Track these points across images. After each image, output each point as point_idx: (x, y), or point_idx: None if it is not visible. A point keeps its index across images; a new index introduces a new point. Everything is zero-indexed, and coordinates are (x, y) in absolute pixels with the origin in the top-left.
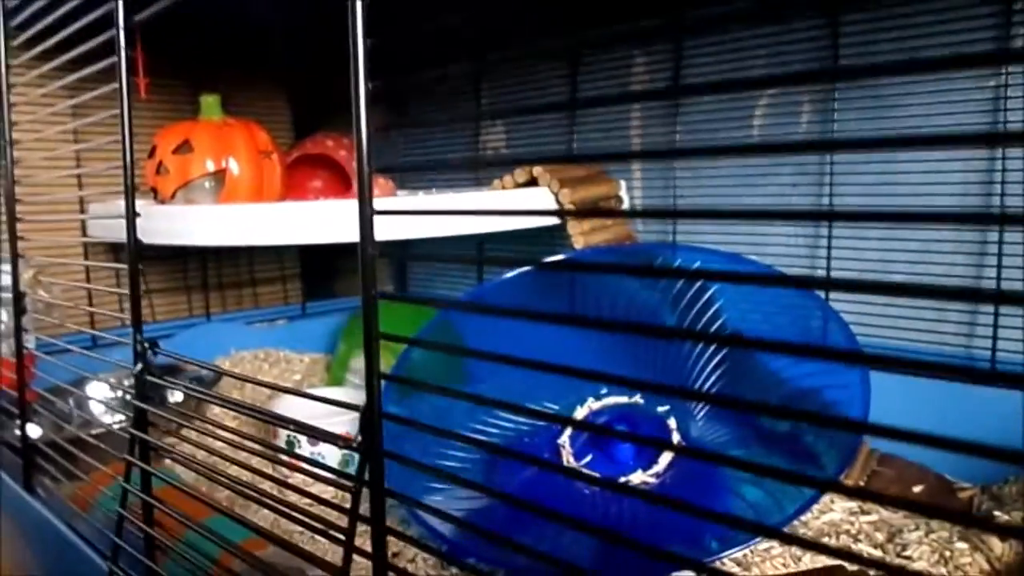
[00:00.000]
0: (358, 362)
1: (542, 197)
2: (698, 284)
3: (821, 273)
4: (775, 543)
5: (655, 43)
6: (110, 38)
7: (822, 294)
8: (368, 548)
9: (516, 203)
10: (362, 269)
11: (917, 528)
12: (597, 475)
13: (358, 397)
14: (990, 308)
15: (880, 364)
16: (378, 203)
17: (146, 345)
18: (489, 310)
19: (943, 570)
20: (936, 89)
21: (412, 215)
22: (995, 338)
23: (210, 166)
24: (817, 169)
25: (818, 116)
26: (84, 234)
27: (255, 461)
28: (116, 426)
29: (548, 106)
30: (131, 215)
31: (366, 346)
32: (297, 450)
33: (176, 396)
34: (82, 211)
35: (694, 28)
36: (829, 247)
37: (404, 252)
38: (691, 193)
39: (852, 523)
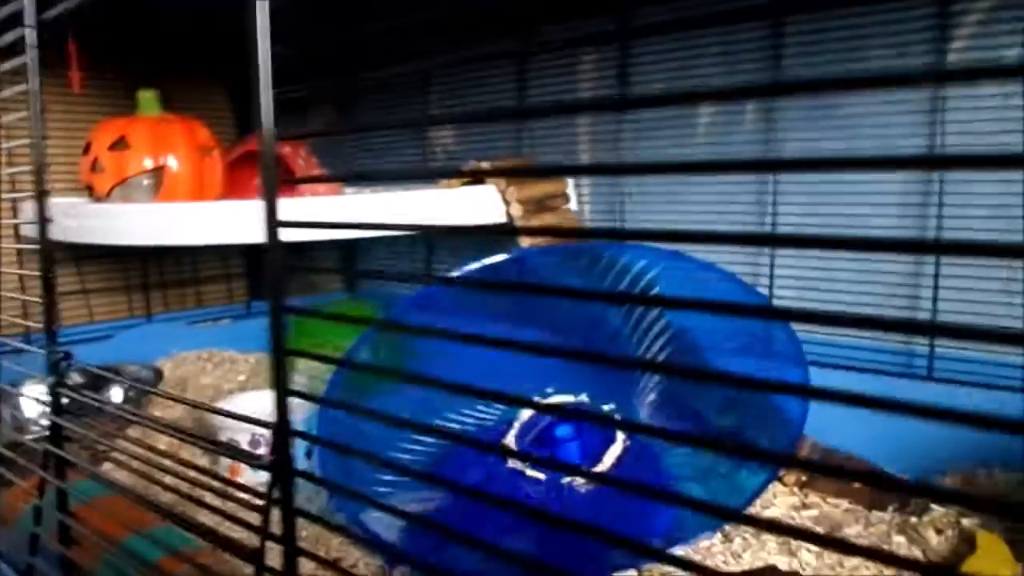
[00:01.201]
0: (304, 362)
1: (489, 195)
2: (643, 283)
3: (765, 269)
4: (716, 541)
5: (604, 41)
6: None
7: (765, 291)
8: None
9: (462, 201)
10: (269, 283)
11: (857, 522)
12: (543, 460)
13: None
14: (929, 296)
15: (820, 397)
16: (293, 208)
17: (60, 356)
18: (408, 329)
19: (880, 564)
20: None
21: (326, 228)
22: (935, 310)
23: (148, 163)
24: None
25: (762, 115)
26: (18, 239)
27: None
28: (29, 439)
29: (492, 114)
30: (43, 219)
31: (274, 361)
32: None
33: (116, 397)
34: (14, 213)
35: (641, 34)
36: (773, 230)
37: (352, 254)
38: (638, 190)
39: (793, 518)
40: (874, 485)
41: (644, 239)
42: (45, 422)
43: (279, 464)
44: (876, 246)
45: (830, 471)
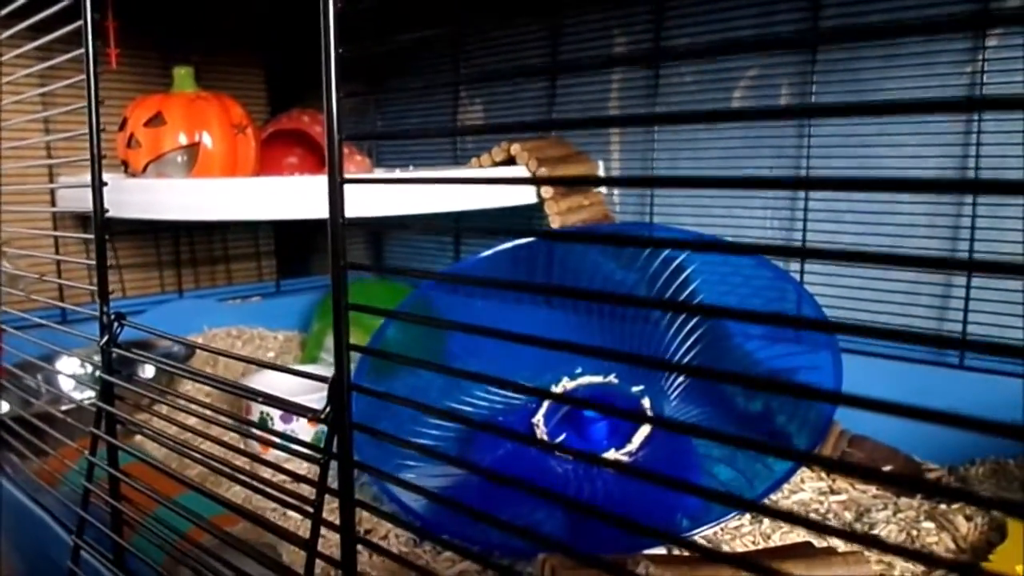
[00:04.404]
0: (332, 340)
1: (519, 175)
2: (674, 266)
3: (795, 258)
4: (745, 522)
5: (636, 17)
6: (76, 1)
7: (796, 275)
8: (338, 522)
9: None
10: (331, 239)
11: (885, 508)
12: (569, 450)
13: (330, 375)
14: (961, 292)
15: (844, 331)
16: (349, 174)
17: (112, 317)
18: (463, 280)
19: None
20: (915, 63)
21: (384, 184)
22: (965, 322)
23: (183, 139)
24: (795, 153)
25: (797, 100)
26: (53, 204)
27: (226, 437)
28: (84, 400)
29: (525, 70)
30: (97, 184)
31: (335, 317)
32: (270, 426)
33: (147, 373)
34: (51, 181)
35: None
36: (804, 230)
37: (377, 229)
38: (669, 173)
39: (821, 502)
40: (908, 487)
41: (676, 185)
42: (79, 395)
43: (338, 417)
44: (915, 186)
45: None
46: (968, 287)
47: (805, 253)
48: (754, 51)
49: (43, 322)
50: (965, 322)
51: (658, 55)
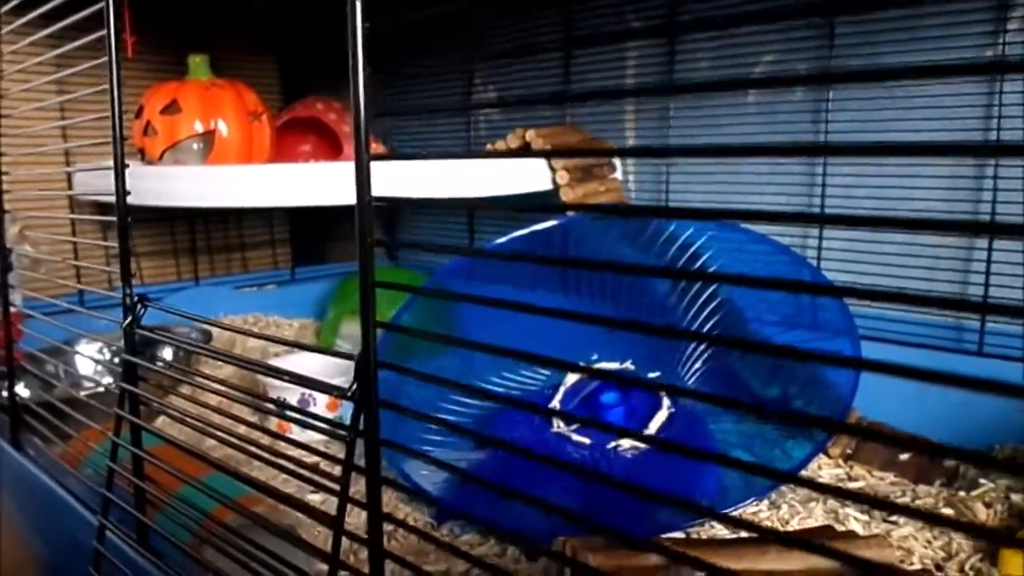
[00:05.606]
0: (348, 328)
1: (535, 163)
2: (690, 252)
3: (813, 242)
4: (763, 507)
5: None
6: None
7: (814, 261)
8: (363, 500)
9: (510, 167)
10: (359, 216)
11: (903, 495)
12: (587, 419)
13: (347, 363)
14: (980, 278)
15: (860, 296)
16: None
17: (135, 299)
18: (484, 254)
19: (928, 535)
20: (937, 34)
21: (409, 161)
22: (986, 298)
23: (199, 127)
24: (811, 139)
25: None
26: (70, 188)
27: (247, 418)
28: (108, 384)
29: (541, 98)
30: (120, 165)
31: (362, 294)
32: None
33: (167, 356)
34: (68, 165)
35: (690, 27)
36: (822, 213)
37: (392, 222)
38: (683, 169)
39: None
40: (922, 452)
41: (691, 218)
42: (99, 378)
43: (364, 395)
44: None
45: (876, 437)
46: (988, 265)
47: (823, 220)
48: (763, 88)
49: (64, 304)
50: (986, 296)
51: (674, 28)
